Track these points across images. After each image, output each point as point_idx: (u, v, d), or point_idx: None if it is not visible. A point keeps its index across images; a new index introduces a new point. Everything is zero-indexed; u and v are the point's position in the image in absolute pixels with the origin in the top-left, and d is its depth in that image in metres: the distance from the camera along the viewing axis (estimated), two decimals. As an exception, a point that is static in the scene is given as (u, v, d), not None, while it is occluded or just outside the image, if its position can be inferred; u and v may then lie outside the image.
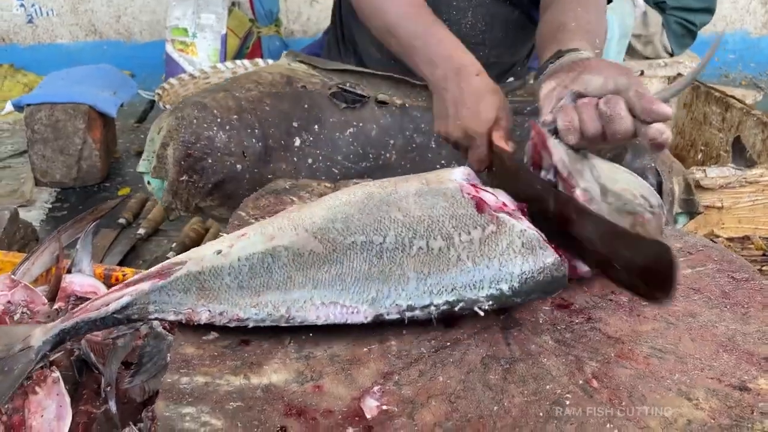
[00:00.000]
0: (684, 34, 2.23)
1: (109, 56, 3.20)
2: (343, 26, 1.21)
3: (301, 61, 1.18)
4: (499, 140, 0.84)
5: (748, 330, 0.64)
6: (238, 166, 1.02)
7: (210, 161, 1.00)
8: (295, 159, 1.07)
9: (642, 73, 1.80)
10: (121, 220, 1.64)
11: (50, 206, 1.92)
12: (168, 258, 1.45)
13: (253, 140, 1.03)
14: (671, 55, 2.24)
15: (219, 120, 1.01)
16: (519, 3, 1.09)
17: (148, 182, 1.06)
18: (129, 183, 2.06)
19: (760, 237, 1.07)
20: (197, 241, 1.51)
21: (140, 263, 1.52)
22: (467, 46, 1.02)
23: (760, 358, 0.61)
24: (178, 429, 0.54)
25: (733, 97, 1.58)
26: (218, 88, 1.09)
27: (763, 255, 1.06)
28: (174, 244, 1.50)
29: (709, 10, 2.30)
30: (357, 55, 1.20)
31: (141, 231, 1.58)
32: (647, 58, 2.28)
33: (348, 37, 1.21)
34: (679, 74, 1.79)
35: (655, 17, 2.20)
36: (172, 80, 2.38)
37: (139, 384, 0.77)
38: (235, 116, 1.03)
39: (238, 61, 2.53)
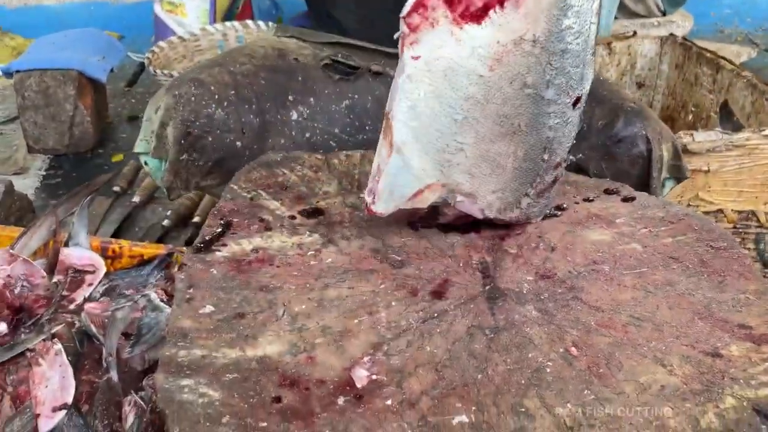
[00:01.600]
0: None
1: (96, 18, 3.14)
2: (315, 11, 1.20)
3: (288, 37, 1.17)
4: None
5: (723, 298, 0.67)
6: (238, 143, 1.02)
7: (210, 139, 1.00)
8: (293, 133, 1.07)
9: (634, 33, 1.79)
10: (116, 188, 1.65)
11: (44, 173, 1.91)
12: (163, 226, 1.48)
13: (251, 116, 1.03)
14: (664, 13, 2.22)
15: (217, 96, 1.01)
16: None
17: (146, 163, 1.06)
18: (122, 148, 2.05)
19: (732, 210, 1.09)
20: (192, 209, 1.52)
21: (136, 230, 1.54)
22: None
23: (734, 326, 0.64)
24: (177, 400, 0.57)
25: (723, 58, 1.57)
26: (212, 63, 1.08)
27: (734, 227, 1.08)
28: (169, 212, 1.52)
29: None
30: (341, 31, 1.18)
31: (136, 199, 1.58)
32: (640, 15, 2.26)
33: (327, 13, 1.20)
34: (672, 34, 1.78)
35: None
36: (161, 43, 2.35)
37: (138, 354, 0.80)
38: (233, 92, 1.03)
39: (228, 23, 2.50)
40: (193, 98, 1.00)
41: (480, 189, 0.77)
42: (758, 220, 1.07)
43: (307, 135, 1.08)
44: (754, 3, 3.52)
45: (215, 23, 2.66)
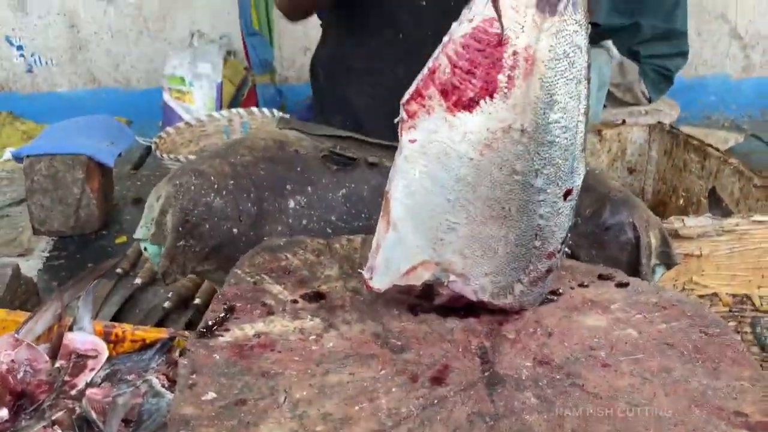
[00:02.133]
0: (660, 80, 2.32)
1: (107, 103, 3.26)
2: (323, 94, 1.27)
3: (292, 128, 1.23)
4: None
5: (718, 385, 0.68)
6: (235, 230, 1.06)
7: (207, 226, 1.04)
8: (290, 221, 1.11)
9: (624, 121, 1.87)
10: (118, 270, 1.67)
11: (48, 255, 1.94)
12: (164, 308, 1.49)
13: (249, 204, 1.07)
14: (650, 101, 2.33)
15: (216, 186, 1.05)
16: None
17: (145, 248, 1.08)
18: (126, 230, 2.09)
19: (726, 293, 1.11)
20: (193, 291, 1.54)
21: (137, 312, 1.55)
22: None
23: (730, 413, 0.65)
24: (178, 490, 0.57)
25: (710, 145, 1.64)
26: (214, 154, 1.13)
27: (730, 311, 1.10)
28: (170, 294, 1.53)
29: (683, 54, 2.40)
30: (351, 111, 1.24)
31: (138, 281, 1.61)
32: (628, 104, 2.36)
33: (339, 95, 1.26)
34: (660, 122, 1.86)
35: (632, 66, 2.29)
36: (169, 129, 2.44)
37: (138, 441, 0.80)
38: (231, 181, 1.07)
39: (233, 110, 2.60)
40: (192, 187, 1.04)
41: (472, 270, 0.79)
42: (753, 304, 1.09)
43: (304, 222, 1.11)
44: (738, 90, 3.67)
45: (221, 110, 2.77)
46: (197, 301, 1.51)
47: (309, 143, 1.19)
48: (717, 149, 1.62)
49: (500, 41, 0.69)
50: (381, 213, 0.79)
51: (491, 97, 0.72)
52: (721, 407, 0.65)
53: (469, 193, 0.75)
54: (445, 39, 0.71)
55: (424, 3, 1.13)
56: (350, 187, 1.15)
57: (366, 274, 0.79)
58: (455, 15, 1.11)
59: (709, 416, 0.64)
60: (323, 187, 1.14)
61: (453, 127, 0.73)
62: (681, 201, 1.73)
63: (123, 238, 2.01)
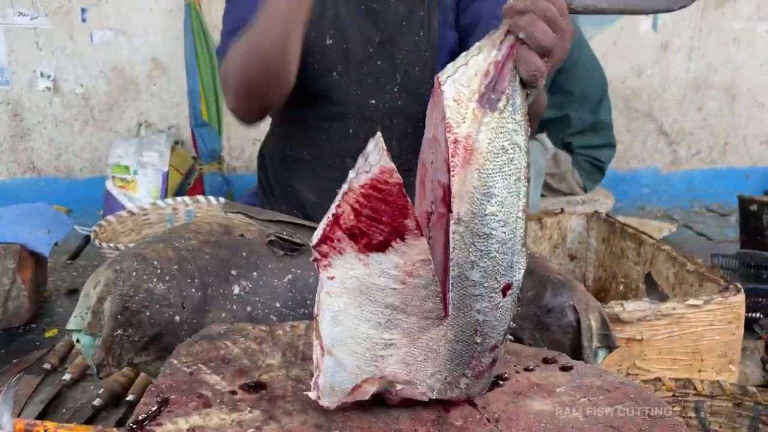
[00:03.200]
0: (593, 170, 2.46)
1: (46, 192, 3.19)
2: (271, 184, 1.28)
3: (237, 212, 1.22)
4: None
5: (665, 469, 0.67)
6: (177, 317, 1.01)
7: (148, 314, 0.99)
8: (234, 307, 1.07)
9: (562, 210, 1.95)
10: (46, 365, 1.57)
11: (-30, 349, 1.82)
12: (93, 406, 1.40)
13: (193, 290, 1.04)
14: (585, 189, 2.44)
15: (159, 271, 1.01)
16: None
17: (77, 340, 1.01)
18: (57, 324, 1.99)
19: (669, 378, 1.13)
20: (127, 386, 1.45)
21: (64, 411, 1.44)
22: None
23: (678, 497, 0.64)
24: None
25: (644, 233, 1.71)
26: (157, 238, 1.10)
27: (673, 395, 1.11)
28: (101, 390, 1.44)
29: (610, 145, 2.56)
30: (298, 201, 1.25)
31: (67, 377, 1.50)
32: (564, 193, 2.47)
33: (286, 185, 1.26)
34: (596, 211, 1.94)
35: (565, 157, 2.42)
36: (109, 217, 2.38)
37: None
38: (176, 266, 1.03)
39: (178, 198, 2.58)
40: (134, 273, 0.99)
41: (417, 375, 0.77)
42: (695, 388, 1.10)
43: (249, 309, 1.08)
44: (669, 183, 3.89)
45: (166, 198, 2.74)
46: (130, 397, 1.42)
47: (255, 228, 1.18)
48: (651, 236, 1.69)
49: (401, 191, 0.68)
50: (314, 334, 0.76)
51: (402, 239, 0.70)
52: (669, 491, 0.64)
53: (400, 314, 0.74)
54: (345, 187, 0.69)
55: (373, 102, 1.17)
56: (296, 273, 1.13)
57: (312, 394, 0.76)
58: (404, 113, 1.16)
59: (658, 501, 0.63)
60: (269, 272, 1.11)
61: (368, 265, 0.72)
62: (621, 287, 1.77)
63: (54, 331, 1.91)
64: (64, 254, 2.54)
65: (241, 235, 1.14)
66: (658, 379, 0.99)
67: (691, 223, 3.48)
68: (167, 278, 1.01)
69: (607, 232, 1.84)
